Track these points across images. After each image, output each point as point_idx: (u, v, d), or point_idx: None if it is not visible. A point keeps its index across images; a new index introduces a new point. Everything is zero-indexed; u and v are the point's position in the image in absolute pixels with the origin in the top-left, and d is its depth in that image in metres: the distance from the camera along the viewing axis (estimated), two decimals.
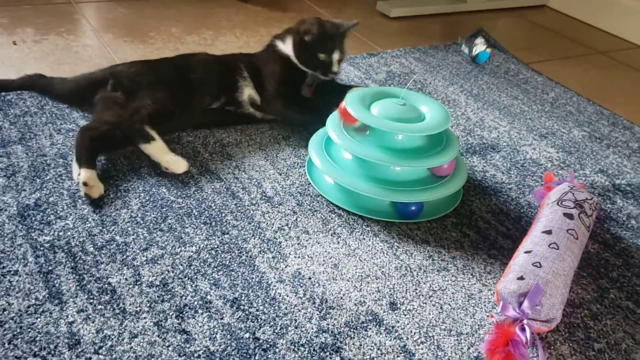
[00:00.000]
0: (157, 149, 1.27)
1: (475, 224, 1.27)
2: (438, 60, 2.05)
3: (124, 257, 1.05)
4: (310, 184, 1.31)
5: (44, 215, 1.11)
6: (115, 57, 1.78)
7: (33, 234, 1.07)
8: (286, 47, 1.51)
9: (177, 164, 1.26)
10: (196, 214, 1.17)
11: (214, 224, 1.16)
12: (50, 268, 1.00)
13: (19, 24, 1.90)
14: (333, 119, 1.31)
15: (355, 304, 1.02)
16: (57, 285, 0.97)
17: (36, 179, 1.20)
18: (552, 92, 1.92)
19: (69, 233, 1.08)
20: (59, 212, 1.13)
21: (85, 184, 1.15)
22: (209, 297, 0.99)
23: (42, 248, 1.04)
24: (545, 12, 2.82)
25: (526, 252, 1.06)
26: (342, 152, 1.30)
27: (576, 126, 1.73)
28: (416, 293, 1.06)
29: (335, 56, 1.49)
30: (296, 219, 1.20)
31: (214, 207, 1.20)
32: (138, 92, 1.34)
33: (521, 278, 0.99)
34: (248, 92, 1.47)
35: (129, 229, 1.11)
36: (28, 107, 1.43)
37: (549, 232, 1.09)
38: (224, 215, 1.18)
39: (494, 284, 1.10)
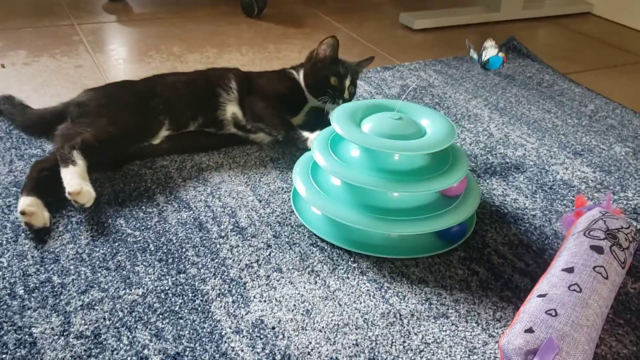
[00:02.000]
0: (70, 173, 1.07)
1: (488, 258, 1.06)
2: (461, 72, 1.85)
3: (56, 301, 0.89)
4: (293, 211, 1.13)
5: None
6: (106, 78, 1.66)
7: None
8: (298, 74, 1.42)
9: (79, 192, 1.03)
10: (152, 249, 1.01)
11: (170, 260, 0.99)
12: None
13: (13, 47, 1.81)
14: (320, 137, 1.14)
15: None
16: None
17: None
18: (591, 104, 1.69)
19: (0, 273, 0.94)
20: None
21: (22, 212, 1.01)
22: (145, 351, 0.82)
23: None
24: (590, 20, 2.58)
25: (540, 296, 0.84)
26: (330, 176, 1.12)
27: (618, 141, 1.49)
28: (404, 347, 0.86)
29: (347, 82, 1.38)
30: (269, 254, 1.02)
31: (174, 241, 1.03)
32: (82, 117, 1.21)
33: (530, 330, 0.78)
34: (232, 109, 1.31)
35: (71, 267, 0.96)
36: None
37: (570, 270, 0.88)
38: (184, 250, 1.02)
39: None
